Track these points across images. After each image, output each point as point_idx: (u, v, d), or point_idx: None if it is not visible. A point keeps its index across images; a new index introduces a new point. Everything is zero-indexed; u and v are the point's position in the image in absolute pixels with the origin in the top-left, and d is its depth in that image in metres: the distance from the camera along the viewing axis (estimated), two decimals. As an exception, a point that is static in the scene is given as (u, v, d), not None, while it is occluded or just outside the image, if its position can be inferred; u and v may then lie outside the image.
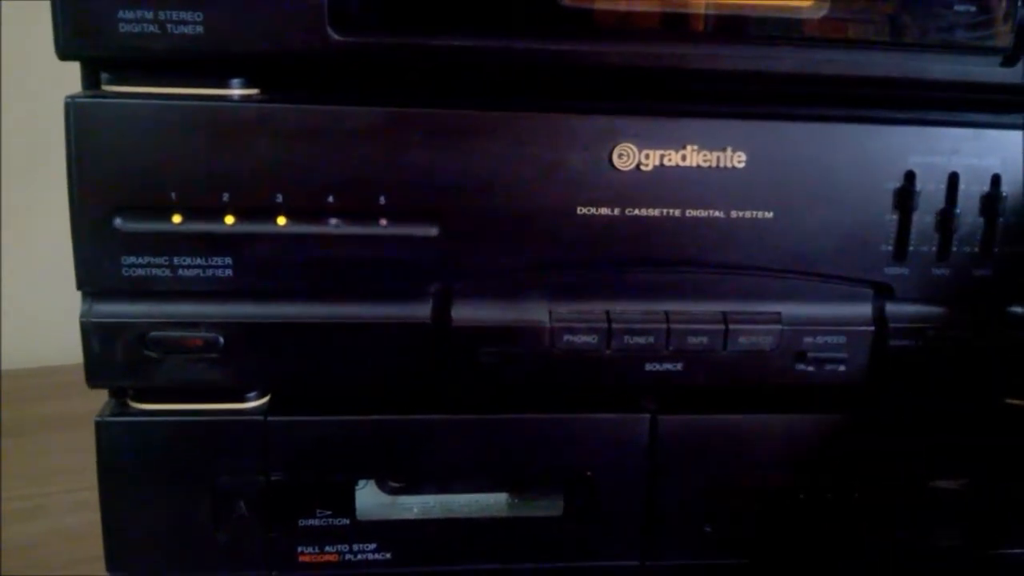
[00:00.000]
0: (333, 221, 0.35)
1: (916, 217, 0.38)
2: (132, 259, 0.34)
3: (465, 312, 0.37)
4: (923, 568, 0.44)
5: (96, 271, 0.34)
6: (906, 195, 0.38)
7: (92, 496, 0.41)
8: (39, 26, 0.33)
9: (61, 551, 0.51)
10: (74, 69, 0.35)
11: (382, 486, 0.41)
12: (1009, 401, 0.42)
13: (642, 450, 0.40)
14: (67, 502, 0.57)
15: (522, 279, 0.37)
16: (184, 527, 0.38)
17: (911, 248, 0.38)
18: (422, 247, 0.36)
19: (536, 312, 0.37)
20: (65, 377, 0.73)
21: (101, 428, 0.37)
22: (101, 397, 0.39)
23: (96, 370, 0.35)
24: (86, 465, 0.39)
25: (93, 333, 0.35)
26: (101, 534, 0.39)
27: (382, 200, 0.35)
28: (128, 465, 0.37)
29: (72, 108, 0.33)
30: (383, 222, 0.35)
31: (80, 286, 0.35)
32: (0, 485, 0.59)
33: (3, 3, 0.76)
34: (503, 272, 0.37)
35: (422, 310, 0.37)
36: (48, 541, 0.52)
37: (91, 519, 0.41)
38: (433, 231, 0.36)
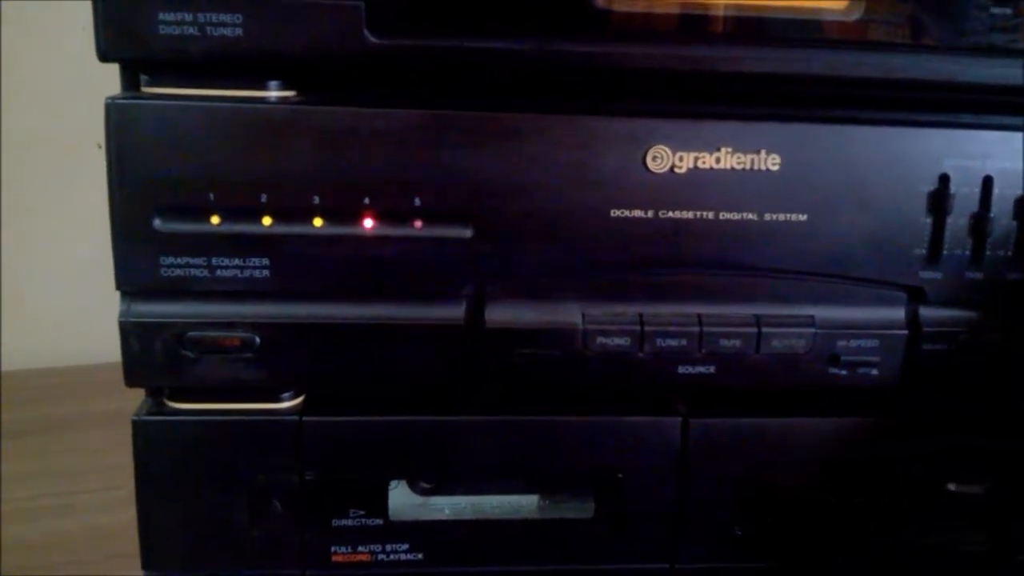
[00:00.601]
0: (368, 223, 0.35)
1: (950, 220, 0.38)
2: (170, 259, 0.35)
3: (498, 314, 0.37)
4: (948, 572, 0.43)
5: (135, 271, 0.35)
6: (940, 198, 0.38)
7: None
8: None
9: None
10: (78, 69, 0.35)
11: (414, 487, 0.41)
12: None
13: (673, 452, 0.40)
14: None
15: (556, 281, 0.37)
16: (219, 525, 0.38)
17: (945, 252, 0.38)
18: (456, 249, 0.36)
19: (569, 314, 0.37)
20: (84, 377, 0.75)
21: (138, 427, 0.37)
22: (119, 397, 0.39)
23: (134, 369, 0.36)
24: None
25: (131, 333, 0.35)
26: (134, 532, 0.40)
27: (417, 202, 0.35)
28: (164, 463, 0.38)
29: (112, 110, 0.34)
30: (418, 224, 0.36)
31: (119, 286, 0.35)
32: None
33: (3, 3, 0.77)
34: (537, 274, 0.37)
35: (456, 311, 0.37)
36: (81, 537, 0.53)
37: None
38: (467, 233, 0.36)
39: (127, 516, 0.51)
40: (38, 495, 0.59)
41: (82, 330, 0.82)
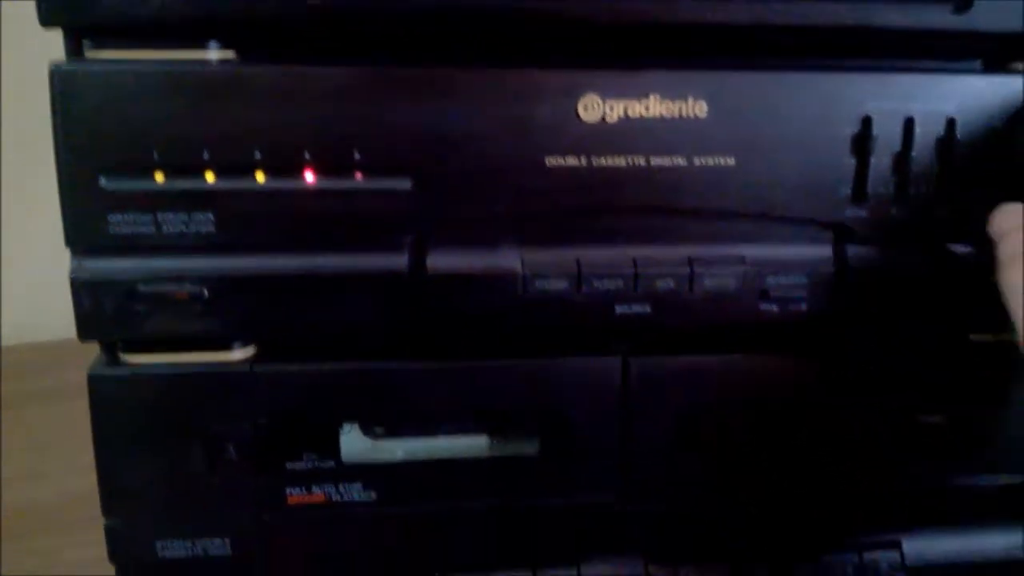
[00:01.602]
0: (310, 176, 0.36)
1: (873, 161, 0.39)
2: (118, 217, 0.36)
3: (440, 261, 0.38)
4: (889, 499, 0.46)
5: (84, 229, 0.36)
6: (863, 140, 0.39)
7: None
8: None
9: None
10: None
11: (366, 431, 0.43)
12: (973, 337, 0.44)
13: (615, 391, 0.42)
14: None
15: (495, 229, 0.39)
16: (177, 473, 0.40)
17: (869, 191, 0.40)
18: (396, 200, 0.37)
19: (509, 260, 0.39)
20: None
21: (93, 380, 0.38)
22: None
23: (87, 324, 0.37)
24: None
25: (83, 289, 0.36)
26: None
27: (356, 156, 0.36)
28: (120, 415, 0.39)
29: (56, 75, 0.34)
30: (358, 176, 0.37)
31: (68, 243, 0.36)
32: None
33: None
34: (476, 222, 0.38)
35: (399, 260, 0.38)
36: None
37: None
38: (406, 184, 0.37)
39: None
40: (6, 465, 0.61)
41: (46, 307, 0.82)
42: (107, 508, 0.40)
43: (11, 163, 0.82)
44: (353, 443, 0.42)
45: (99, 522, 0.50)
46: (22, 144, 0.81)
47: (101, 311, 0.37)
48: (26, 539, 0.53)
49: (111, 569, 0.45)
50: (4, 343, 0.83)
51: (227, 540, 0.41)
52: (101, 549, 0.49)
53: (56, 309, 0.78)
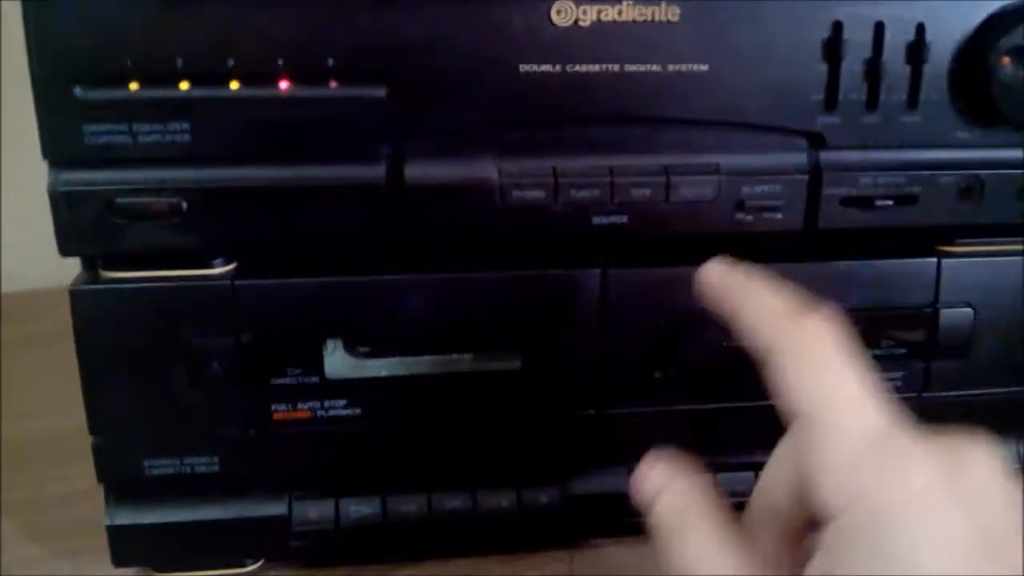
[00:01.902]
0: (284, 84, 0.37)
1: (844, 67, 0.40)
2: (94, 127, 0.36)
3: (418, 171, 0.39)
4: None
5: (60, 140, 0.36)
6: (834, 45, 0.39)
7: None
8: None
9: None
10: None
11: (350, 351, 0.43)
12: (939, 248, 0.45)
13: (594, 303, 0.42)
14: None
15: (471, 138, 0.39)
16: (162, 390, 0.40)
17: (841, 97, 0.40)
18: (372, 109, 0.37)
19: (486, 170, 0.39)
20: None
21: (75, 297, 0.38)
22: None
23: (67, 238, 0.37)
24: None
25: (61, 201, 0.37)
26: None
27: (330, 62, 0.36)
28: (103, 332, 0.39)
29: (27, -16, 0.35)
30: (332, 84, 0.37)
31: (45, 155, 0.36)
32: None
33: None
34: (452, 132, 0.38)
35: (377, 170, 0.38)
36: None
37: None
38: (381, 92, 0.37)
39: (83, 419, 0.53)
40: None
41: (28, 256, 0.82)
42: (94, 427, 0.40)
43: (7, 112, 0.82)
44: (338, 363, 0.42)
45: (76, 458, 0.50)
46: (16, 94, 0.80)
47: (80, 224, 0.37)
48: (13, 472, 0.53)
49: (91, 506, 0.45)
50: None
51: (214, 457, 0.41)
52: (82, 483, 0.49)
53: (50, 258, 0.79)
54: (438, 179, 0.39)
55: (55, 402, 0.59)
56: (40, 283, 0.80)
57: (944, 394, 0.46)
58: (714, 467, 0.46)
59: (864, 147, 0.41)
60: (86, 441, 0.52)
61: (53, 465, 0.54)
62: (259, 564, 0.45)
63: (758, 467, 0.45)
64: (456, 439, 0.43)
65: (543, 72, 0.38)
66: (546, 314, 0.42)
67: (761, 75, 0.39)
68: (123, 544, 0.43)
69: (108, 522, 0.42)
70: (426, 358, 0.43)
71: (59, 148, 0.36)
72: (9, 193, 0.84)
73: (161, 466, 0.41)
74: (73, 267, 0.40)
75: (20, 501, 0.51)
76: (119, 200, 0.37)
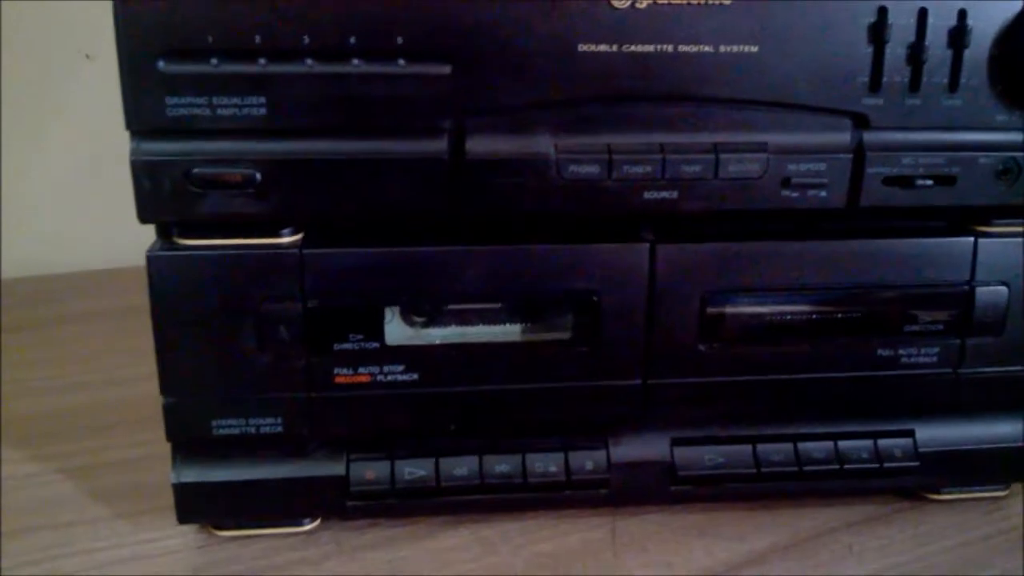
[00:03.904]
0: (355, 61, 0.38)
1: (888, 50, 0.41)
2: (175, 99, 0.38)
3: (478, 146, 0.40)
4: (903, 389, 0.48)
5: (142, 111, 0.38)
6: (879, 29, 0.41)
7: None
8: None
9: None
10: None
11: (407, 320, 0.45)
12: (976, 228, 0.46)
13: (643, 276, 0.44)
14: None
15: (530, 114, 0.41)
16: (231, 353, 0.42)
17: (885, 80, 0.42)
18: (437, 85, 0.39)
19: (543, 145, 0.41)
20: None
21: (151, 261, 0.40)
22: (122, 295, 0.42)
23: (145, 206, 0.39)
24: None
25: (142, 170, 0.39)
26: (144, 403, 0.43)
27: (399, 41, 0.38)
28: (176, 296, 0.41)
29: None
30: (401, 62, 0.39)
31: (128, 126, 0.38)
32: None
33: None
34: (512, 108, 0.40)
35: (439, 144, 0.40)
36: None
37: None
38: (446, 69, 0.39)
39: (138, 391, 0.56)
40: (46, 376, 0.63)
41: (77, 239, 0.85)
42: (165, 387, 0.42)
43: (17, 98, 0.84)
44: (396, 332, 0.44)
45: (135, 427, 0.53)
46: (24, 78, 0.83)
47: (158, 192, 0.39)
48: (70, 441, 0.55)
49: (152, 469, 0.47)
50: (36, 272, 0.86)
51: (278, 418, 0.43)
52: (141, 450, 0.52)
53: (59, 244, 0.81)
54: (497, 153, 0.41)
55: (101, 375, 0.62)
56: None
57: (979, 370, 0.48)
58: (752, 439, 0.47)
59: (906, 128, 0.43)
60: (133, 412, 0.55)
61: (112, 433, 0.56)
62: (315, 524, 0.47)
63: (797, 438, 0.47)
64: (507, 405, 0.45)
65: (600, 52, 0.40)
66: (596, 286, 0.44)
67: (808, 57, 0.41)
68: (188, 502, 0.45)
69: (174, 480, 0.44)
70: (480, 327, 0.45)
71: (141, 119, 0.38)
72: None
73: (227, 426, 0.43)
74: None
75: (76, 468, 0.53)
76: (196, 170, 0.39)
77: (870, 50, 0.41)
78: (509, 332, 0.45)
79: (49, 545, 0.45)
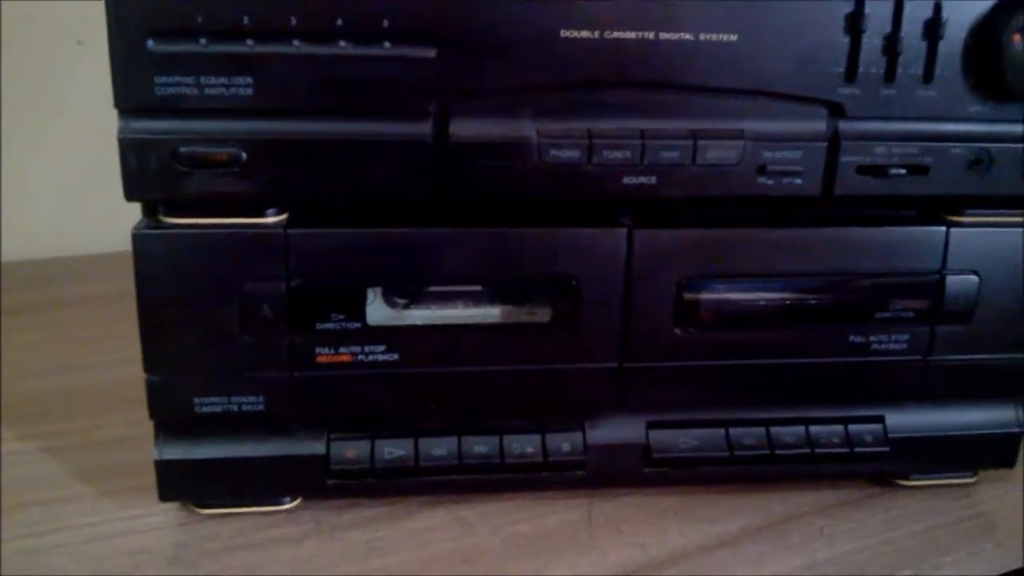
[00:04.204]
0: (342, 43, 0.39)
1: (865, 40, 0.42)
2: (163, 78, 0.38)
3: (462, 129, 0.41)
4: (873, 375, 0.49)
5: (132, 89, 0.38)
6: (856, 19, 0.42)
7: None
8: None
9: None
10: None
11: (389, 302, 0.46)
12: (948, 217, 0.47)
13: (620, 261, 0.45)
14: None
15: (513, 99, 0.41)
16: (214, 331, 0.43)
17: (860, 70, 0.43)
18: (422, 68, 0.40)
19: (525, 129, 0.41)
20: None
21: (137, 239, 0.41)
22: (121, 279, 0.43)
23: (132, 184, 0.40)
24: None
25: (130, 148, 0.39)
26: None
27: (385, 24, 0.39)
28: (162, 274, 0.42)
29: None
30: (386, 44, 0.39)
31: (117, 104, 0.38)
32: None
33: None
34: (495, 93, 0.41)
35: (424, 127, 0.41)
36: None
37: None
38: (431, 53, 0.40)
39: (130, 372, 0.56)
40: (43, 358, 0.64)
41: (76, 223, 0.85)
42: (148, 365, 0.43)
43: (16, 85, 0.84)
44: (377, 313, 0.45)
45: (126, 408, 0.53)
46: (24, 68, 0.83)
47: (146, 170, 0.39)
48: (62, 421, 0.56)
49: (140, 448, 0.48)
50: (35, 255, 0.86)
51: (260, 397, 0.44)
52: (130, 430, 0.52)
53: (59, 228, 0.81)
54: (480, 137, 0.41)
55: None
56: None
57: (948, 357, 0.49)
58: (726, 422, 0.48)
59: (881, 118, 0.44)
60: (126, 393, 0.55)
61: (96, 414, 0.56)
62: (296, 503, 0.48)
63: (769, 423, 0.48)
64: (486, 387, 0.46)
65: (582, 38, 0.40)
66: (575, 270, 0.44)
67: (786, 46, 0.42)
68: (170, 479, 0.45)
69: (157, 457, 0.45)
70: (461, 310, 0.45)
71: (130, 97, 0.38)
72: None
73: (210, 404, 0.44)
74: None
75: (67, 447, 0.53)
76: (182, 149, 0.39)
77: (847, 40, 0.42)
78: (489, 315, 0.46)
79: (36, 521, 0.46)
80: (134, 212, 0.42)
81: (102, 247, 0.83)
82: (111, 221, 0.66)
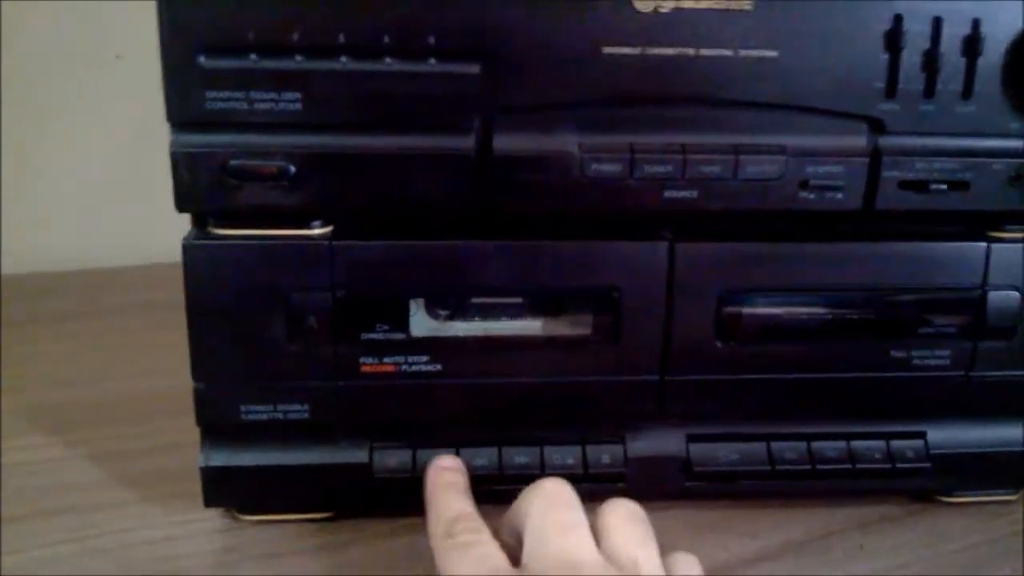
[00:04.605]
0: (388, 60, 0.40)
1: (904, 57, 0.43)
2: (214, 93, 0.39)
3: (504, 143, 0.42)
4: (916, 391, 0.49)
5: (183, 104, 0.39)
6: (894, 36, 0.42)
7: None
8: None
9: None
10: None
11: (432, 314, 0.46)
12: (990, 233, 0.47)
13: (662, 274, 0.45)
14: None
15: (555, 114, 0.42)
16: (261, 340, 0.43)
17: (900, 86, 0.43)
18: (466, 84, 0.41)
19: (567, 144, 0.42)
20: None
21: (187, 250, 0.42)
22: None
23: (183, 195, 0.41)
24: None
25: (181, 161, 0.40)
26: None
27: (431, 40, 0.40)
28: (210, 283, 0.42)
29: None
30: (432, 61, 0.40)
31: (169, 118, 0.40)
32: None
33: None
34: (538, 107, 0.42)
35: (467, 141, 0.42)
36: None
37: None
38: (476, 69, 0.40)
39: (161, 383, 0.57)
40: (81, 367, 0.65)
41: (104, 235, 0.87)
42: (196, 372, 0.44)
43: (42, 96, 0.86)
44: (420, 323, 0.45)
45: (164, 417, 0.54)
46: (57, 74, 0.85)
47: (196, 183, 0.40)
48: (102, 428, 0.57)
49: (180, 456, 0.49)
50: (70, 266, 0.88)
51: (305, 405, 0.44)
52: (169, 438, 0.53)
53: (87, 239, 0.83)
54: (523, 151, 0.42)
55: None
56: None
57: (990, 373, 0.48)
58: (767, 436, 0.48)
59: (921, 133, 0.44)
60: (165, 403, 0.57)
61: (136, 422, 0.58)
62: (336, 511, 0.48)
63: (811, 437, 0.48)
64: (527, 398, 0.46)
65: (624, 54, 0.41)
66: (616, 283, 0.45)
67: (827, 62, 0.42)
68: (215, 485, 0.46)
69: (203, 463, 0.45)
70: (503, 321, 0.46)
71: (182, 111, 0.40)
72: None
73: (256, 412, 0.45)
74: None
75: (111, 453, 0.54)
76: (232, 162, 0.40)
77: (886, 57, 0.42)
78: (530, 326, 0.46)
79: (78, 526, 0.47)
80: (169, 224, 0.43)
81: (138, 259, 0.85)
82: (146, 233, 0.67)
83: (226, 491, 0.46)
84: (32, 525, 0.47)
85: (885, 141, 0.44)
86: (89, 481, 0.51)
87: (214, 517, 0.48)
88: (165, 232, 0.43)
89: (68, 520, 0.47)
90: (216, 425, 0.45)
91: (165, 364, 0.51)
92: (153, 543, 0.46)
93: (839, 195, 0.44)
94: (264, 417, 0.44)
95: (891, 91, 0.43)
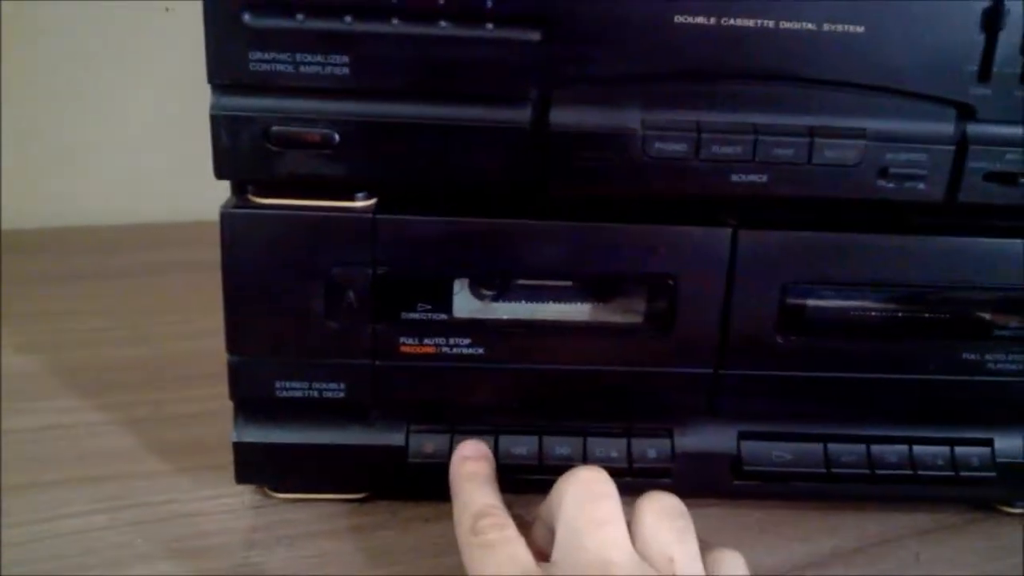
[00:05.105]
0: (442, 23, 0.37)
1: (1002, 38, 0.39)
2: (258, 54, 0.37)
3: (562, 117, 0.39)
4: (981, 391, 0.46)
5: (225, 64, 0.37)
6: (994, 15, 0.39)
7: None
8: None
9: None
10: None
11: (475, 293, 0.44)
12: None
13: (722, 262, 0.42)
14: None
15: (618, 87, 0.39)
16: (297, 315, 0.41)
17: (995, 70, 0.39)
18: (525, 52, 0.38)
19: (630, 120, 0.39)
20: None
21: (225, 219, 0.40)
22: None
23: (223, 161, 0.38)
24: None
25: (221, 124, 0.38)
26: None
27: (489, 4, 0.37)
28: (248, 254, 0.40)
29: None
30: (489, 25, 0.37)
31: (211, 79, 0.37)
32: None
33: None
34: (601, 80, 0.39)
35: (522, 114, 0.39)
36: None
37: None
38: (536, 36, 0.38)
39: (200, 345, 0.55)
40: (114, 327, 0.64)
41: (149, 190, 0.86)
42: (231, 345, 0.42)
43: (94, 48, 0.84)
44: (463, 304, 0.43)
45: (201, 381, 0.53)
46: (105, 30, 0.83)
47: (236, 148, 0.38)
48: (138, 392, 0.55)
49: (216, 425, 0.47)
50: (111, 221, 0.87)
51: (342, 384, 0.42)
52: (205, 405, 0.52)
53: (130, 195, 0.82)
54: (582, 126, 0.39)
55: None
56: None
57: (1073, 379, 0.45)
58: (824, 437, 0.46)
59: (1013, 122, 0.40)
60: (201, 366, 0.55)
61: (172, 387, 0.56)
62: (369, 493, 0.46)
63: (871, 440, 0.45)
64: (572, 387, 0.44)
65: (697, 24, 0.38)
66: (673, 269, 0.42)
67: (917, 41, 0.39)
68: (247, 461, 0.44)
69: (235, 438, 0.44)
70: (550, 305, 0.44)
71: (224, 72, 0.37)
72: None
73: (291, 388, 0.43)
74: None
75: (146, 418, 0.53)
76: (275, 128, 0.38)
77: (982, 38, 0.39)
78: (579, 311, 0.44)
79: (111, 496, 0.45)
80: (214, 182, 0.41)
81: (182, 216, 0.83)
82: (192, 190, 0.65)
83: (258, 468, 0.45)
84: (61, 493, 0.46)
85: (974, 128, 0.40)
86: (122, 448, 0.50)
87: (245, 493, 0.46)
88: (211, 189, 0.41)
89: (99, 489, 0.46)
90: (250, 400, 0.43)
91: (206, 325, 0.49)
92: (184, 517, 0.45)
93: (920, 185, 0.41)
94: (299, 394, 0.43)
95: (985, 75, 0.39)
